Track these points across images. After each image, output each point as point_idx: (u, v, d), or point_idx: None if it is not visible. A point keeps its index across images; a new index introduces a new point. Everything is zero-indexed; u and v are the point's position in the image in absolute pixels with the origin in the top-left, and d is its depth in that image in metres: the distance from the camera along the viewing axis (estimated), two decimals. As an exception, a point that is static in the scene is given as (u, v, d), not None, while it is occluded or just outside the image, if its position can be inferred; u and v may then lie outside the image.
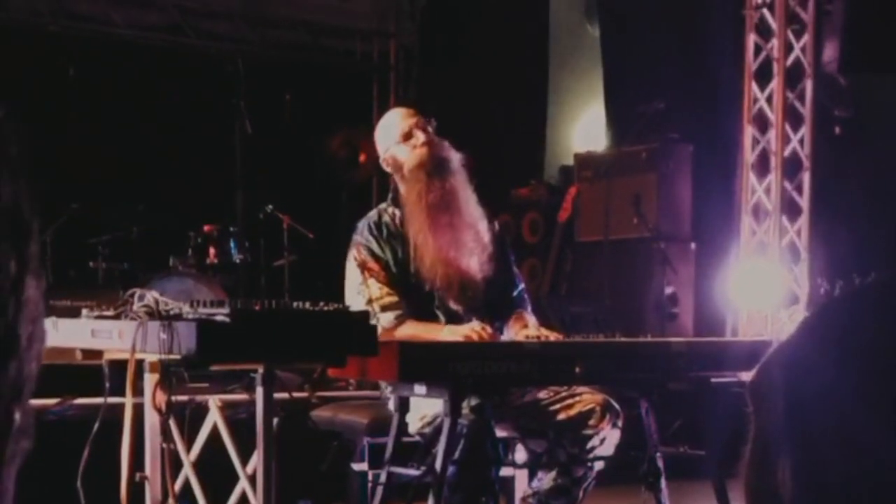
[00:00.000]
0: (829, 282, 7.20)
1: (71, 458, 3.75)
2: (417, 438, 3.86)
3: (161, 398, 3.65)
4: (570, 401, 3.94)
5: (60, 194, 7.14)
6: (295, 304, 3.35)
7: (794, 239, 8.17)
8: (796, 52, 8.11)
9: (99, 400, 3.74)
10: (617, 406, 3.95)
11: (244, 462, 3.68)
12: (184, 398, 3.80)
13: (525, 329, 4.02)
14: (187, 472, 3.89)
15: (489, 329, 3.81)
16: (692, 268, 8.68)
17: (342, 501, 4.92)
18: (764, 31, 8.23)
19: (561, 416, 3.93)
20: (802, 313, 7.18)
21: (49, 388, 4.94)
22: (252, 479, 3.55)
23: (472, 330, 3.77)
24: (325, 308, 3.30)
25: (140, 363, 3.68)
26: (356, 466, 4.08)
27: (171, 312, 3.25)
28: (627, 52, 9.70)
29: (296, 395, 4.47)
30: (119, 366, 3.67)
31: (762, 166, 8.27)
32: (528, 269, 8.77)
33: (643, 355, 3.86)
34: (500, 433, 3.87)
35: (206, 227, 7.67)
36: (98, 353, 3.75)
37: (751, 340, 5.05)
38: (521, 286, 4.27)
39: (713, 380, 4.13)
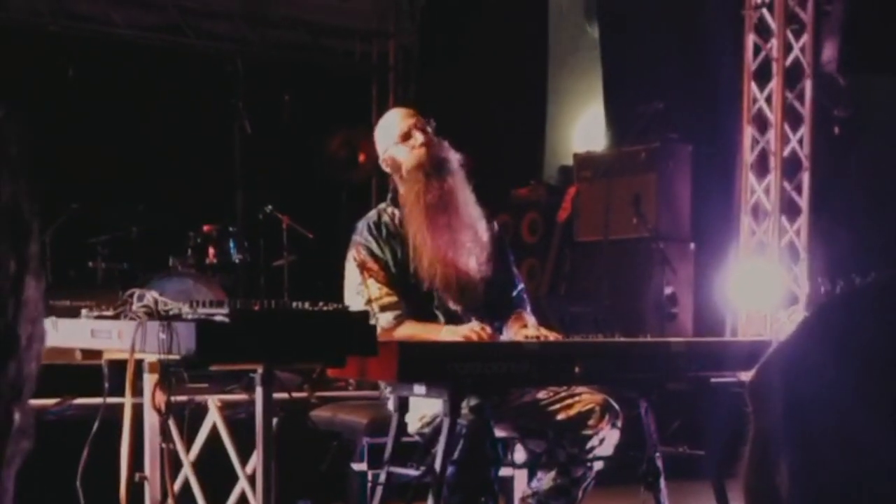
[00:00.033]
0: (828, 282, 7.20)
1: (70, 458, 3.75)
2: (417, 438, 3.86)
3: (160, 398, 3.65)
4: (569, 401, 3.94)
5: (60, 194, 7.14)
6: (294, 304, 3.34)
7: (793, 239, 8.17)
8: (795, 52, 8.11)
9: (98, 400, 3.74)
10: (616, 406, 3.95)
11: (243, 462, 3.68)
12: (183, 398, 3.80)
13: (524, 329, 4.02)
14: (187, 472, 3.89)
15: (488, 329, 3.81)
16: (691, 268, 8.69)
17: (342, 501, 4.92)
18: (763, 32, 8.23)
19: (560, 417, 3.93)
20: (802, 313, 7.18)
21: (48, 388, 4.94)
22: (251, 480, 3.55)
23: (471, 330, 3.77)
24: (325, 308, 3.30)
25: (139, 363, 3.68)
26: (356, 466, 4.08)
27: (171, 312, 3.25)
28: (627, 53, 9.71)
29: (295, 395, 4.47)
30: (118, 366, 3.67)
31: (761, 166, 8.27)
32: (527, 269, 8.77)
33: (642, 355, 3.86)
34: (500, 433, 3.87)
35: (205, 228, 7.67)
36: (97, 353, 3.75)
37: (750, 340, 5.05)
38: (521, 286, 4.27)
39: (712, 380, 4.14)
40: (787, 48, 8.11)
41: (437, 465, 3.46)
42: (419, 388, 3.52)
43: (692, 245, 8.72)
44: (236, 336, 3.11)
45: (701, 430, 4.47)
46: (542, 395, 3.97)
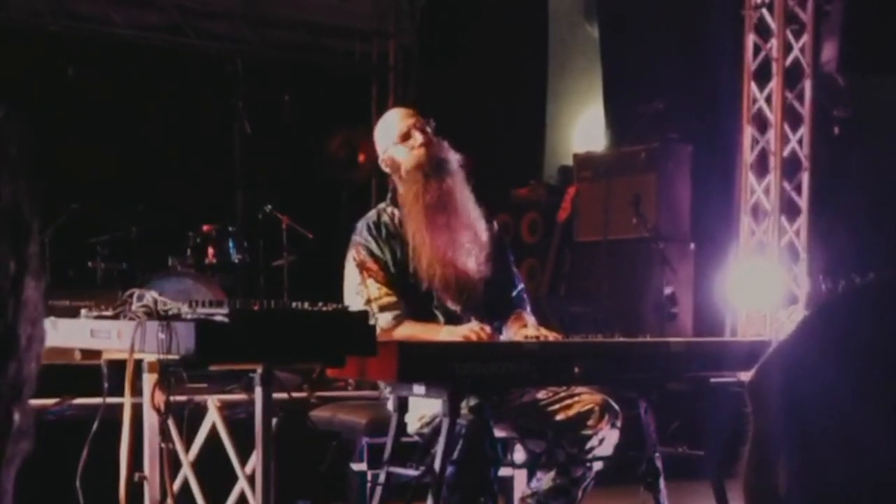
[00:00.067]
0: (829, 282, 7.20)
1: (70, 458, 3.75)
2: (416, 438, 3.86)
3: (160, 398, 3.65)
4: (568, 401, 3.94)
5: (60, 194, 7.13)
6: (294, 304, 3.34)
7: (792, 239, 8.17)
8: (795, 52, 8.11)
9: (98, 400, 3.73)
10: (616, 406, 3.95)
11: (243, 462, 3.68)
12: (182, 398, 3.80)
13: (524, 329, 4.02)
14: (186, 472, 3.89)
15: (488, 329, 3.81)
16: (691, 268, 8.69)
17: (341, 501, 4.93)
18: (763, 32, 8.24)
19: (560, 417, 3.93)
20: (801, 313, 7.18)
21: (48, 388, 4.94)
22: (251, 480, 3.55)
23: (470, 330, 3.77)
24: (324, 308, 3.30)
25: (139, 363, 3.68)
26: (355, 466, 4.08)
27: (170, 312, 3.25)
28: (627, 53, 9.71)
29: (295, 395, 4.47)
30: (118, 366, 3.67)
31: (761, 166, 8.27)
32: (527, 269, 8.77)
33: (642, 355, 3.86)
34: (499, 433, 3.87)
35: (205, 227, 7.67)
36: (97, 353, 3.75)
37: (750, 340, 5.05)
38: (520, 286, 4.27)
39: (712, 380, 4.14)
40: (787, 48, 8.12)
41: (437, 466, 3.46)
42: (419, 389, 3.52)
43: (692, 245, 8.72)
44: (236, 336, 3.11)
45: (700, 430, 4.48)
46: (541, 395, 3.96)
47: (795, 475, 0.89)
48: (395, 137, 4.09)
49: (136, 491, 3.83)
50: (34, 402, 0.76)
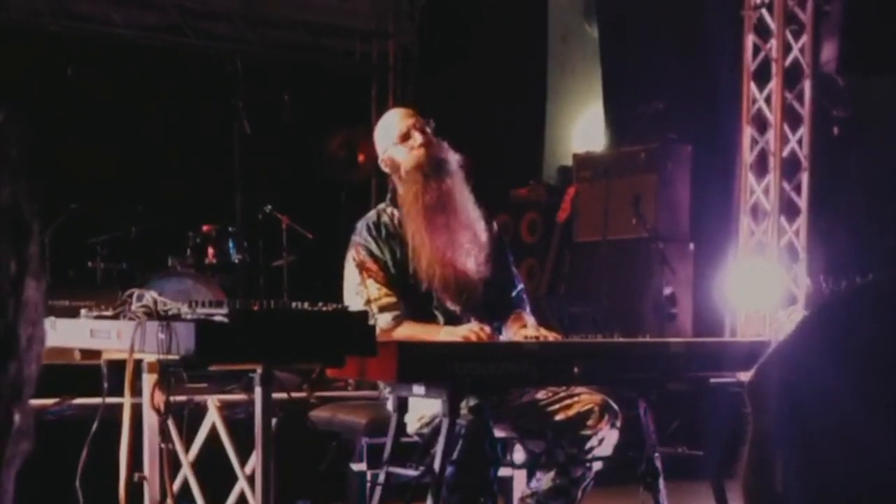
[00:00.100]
0: (830, 282, 7.21)
1: (69, 458, 3.75)
2: (416, 439, 3.86)
3: (159, 398, 3.65)
4: (568, 401, 3.94)
5: (59, 194, 7.13)
6: (294, 304, 3.34)
7: (792, 239, 8.18)
8: (795, 52, 8.11)
9: (97, 400, 3.73)
10: (615, 406, 3.95)
11: (243, 462, 3.68)
12: (182, 398, 3.80)
13: (524, 329, 4.02)
14: (186, 472, 3.89)
15: (487, 329, 3.81)
16: (691, 268, 8.69)
17: (341, 502, 4.92)
18: (762, 32, 8.24)
19: (559, 417, 3.93)
20: (801, 313, 7.18)
21: (47, 388, 4.93)
22: (251, 480, 3.55)
23: (470, 331, 3.77)
24: (324, 308, 3.30)
25: (138, 363, 3.68)
26: (355, 467, 4.08)
27: (170, 312, 3.25)
28: (626, 53, 9.71)
29: (294, 395, 4.47)
30: (118, 366, 3.67)
31: (761, 166, 8.27)
32: (526, 270, 8.77)
33: (641, 356, 3.86)
34: (499, 433, 3.87)
35: (204, 228, 7.67)
36: (97, 353, 3.75)
37: (749, 341, 5.05)
38: (520, 286, 4.27)
39: (712, 380, 4.14)
40: (787, 48, 8.12)
41: (437, 466, 3.46)
42: (418, 389, 3.52)
43: (691, 245, 8.72)
44: (235, 336, 3.11)
45: (700, 430, 4.47)
46: (541, 395, 3.96)
47: (795, 475, 0.89)
48: (394, 138, 4.09)
49: (135, 491, 3.82)
50: (33, 401, 0.76)
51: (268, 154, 8.25)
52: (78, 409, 5.21)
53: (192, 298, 3.41)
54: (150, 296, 3.36)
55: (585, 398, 3.94)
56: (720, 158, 8.68)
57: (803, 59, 8.09)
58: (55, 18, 8.75)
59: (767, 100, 8.21)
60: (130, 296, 3.45)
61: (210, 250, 7.64)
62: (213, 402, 3.90)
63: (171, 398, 3.64)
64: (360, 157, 8.44)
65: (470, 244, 4.03)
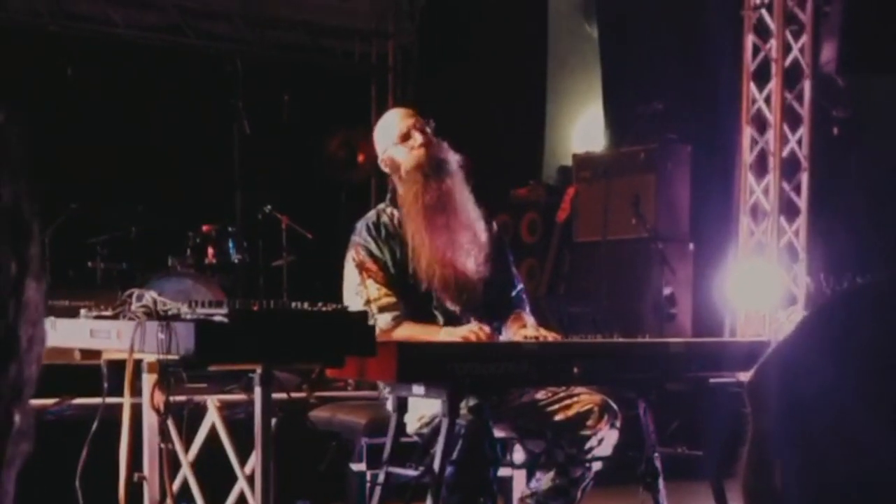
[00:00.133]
0: (829, 282, 7.21)
1: (69, 458, 3.75)
2: (416, 439, 3.86)
3: (159, 398, 3.65)
4: (568, 401, 3.94)
5: (59, 194, 7.13)
6: (293, 304, 3.34)
7: (792, 239, 8.18)
8: (794, 52, 8.12)
9: (97, 400, 3.73)
10: (615, 406, 3.95)
11: (242, 462, 3.68)
12: (182, 398, 3.80)
13: (523, 329, 4.02)
14: (185, 472, 3.89)
15: (487, 329, 3.81)
16: (690, 268, 8.69)
17: (340, 502, 4.92)
18: (762, 32, 8.24)
19: (559, 417, 3.93)
20: (801, 313, 7.18)
21: (47, 388, 4.93)
22: (250, 480, 3.55)
23: (469, 331, 3.77)
24: (324, 308, 3.30)
25: (138, 363, 3.68)
26: (354, 467, 4.08)
27: (170, 312, 3.25)
28: (626, 53, 9.71)
29: (294, 395, 4.47)
30: (117, 366, 3.67)
31: (760, 167, 8.27)
32: (526, 270, 8.77)
33: (641, 356, 3.86)
34: (499, 433, 3.87)
35: (204, 228, 7.67)
36: (96, 353, 3.75)
37: (749, 341, 5.05)
38: (520, 286, 4.27)
39: (711, 380, 4.14)
40: (786, 49, 8.12)
41: (436, 466, 3.46)
42: (418, 389, 3.52)
43: (691, 245, 8.72)
44: (235, 336, 3.11)
45: (700, 430, 4.47)
46: (540, 395, 3.96)
47: (795, 475, 0.89)
48: (394, 138, 4.09)
49: (135, 491, 3.82)
50: (33, 401, 0.76)
51: (267, 154, 8.25)
52: (78, 409, 5.21)
53: (192, 298, 3.41)
54: (149, 296, 3.36)
55: (585, 398, 3.94)
56: (720, 158, 8.69)
57: (803, 59, 8.09)
58: (55, 18, 8.75)
59: (767, 100, 8.21)
60: (130, 296, 3.45)
61: (210, 250, 7.64)
62: (212, 402, 3.90)
63: (171, 398, 3.64)
64: (360, 157, 8.44)
65: (470, 244, 4.03)
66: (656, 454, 3.95)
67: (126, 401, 3.73)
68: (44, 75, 8.38)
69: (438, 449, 3.47)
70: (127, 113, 8.63)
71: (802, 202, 8.14)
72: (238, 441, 3.75)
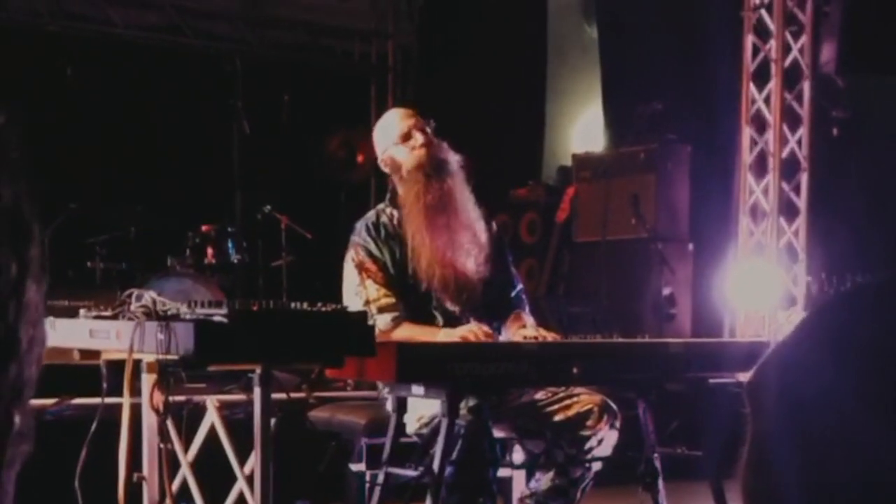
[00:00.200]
0: (829, 282, 7.21)
1: (68, 459, 3.75)
2: (415, 439, 3.86)
3: (159, 398, 3.65)
4: (567, 401, 3.94)
5: (58, 194, 7.13)
6: (293, 304, 3.34)
7: (791, 240, 8.18)
8: (794, 53, 8.12)
9: (96, 400, 3.73)
10: (614, 407, 3.95)
11: (242, 462, 3.68)
12: (181, 398, 3.80)
13: (523, 329, 4.02)
14: (185, 472, 3.88)
15: (486, 329, 3.81)
16: (690, 268, 8.69)
17: (340, 502, 4.92)
18: (762, 33, 8.24)
19: (558, 417, 3.93)
20: (800, 314, 7.18)
21: (46, 388, 4.93)
22: (250, 480, 3.55)
23: (469, 331, 3.77)
24: (323, 309, 3.30)
25: (138, 363, 3.68)
26: (354, 467, 4.08)
27: (169, 313, 3.26)
28: (626, 53, 9.71)
29: (293, 395, 4.47)
30: (117, 366, 3.67)
31: (760, 167, 8.27)
32: (525, 270, 8.77)
33: (641, 356, 3.87)
34: (498, 434, 3.87)
35: (204, 228, 7.66)
36: (96, 354, 3.75)
37: (748, 341, 5.05)
38: (519, 287, 4.27)
39: (711, 380, 4.14)
40: (786, 49, 8.12)
41: (436, 466, 3.46)
42: (417, 389, 3.52)
43: (690, 246, 8.72)
44: (235, 336, 3.11)
45: (699, 430, 4.48)
46: (540, 395, 3.97)
47: (795, 475, 0.89)
48: (395, 138, 4.08)
49: (134, 491, 3.82)
50: (32, 402, 0.76)
51: (267, 154, 8.26)
52: (77, 410, 5.20)
53: (192, 298, 3.41)
54: (149, 296, 3.37)
55: (585, 398, 3.94)
56: (719, 159, 8.69)
57: (803, 59, 8.09)
58: (54, 18, 8.75)
59: (767, 100, 8.21)
60: (129, 296, 3.45)
61: (209, 250, 7.64)
62: (212, 402, 3.90)
63: (171, 398, 3.64)
64: (360, 158, 8.45)
65: (470, 244, 4.03)
66: (656, 454, 3.95)
67: (125, 401, 3.73)
68: (44, 75, 8.38)
69: (438, 449, 3.47)
70: (126, 113, 8.63)
71: (802, 202, 8.14)
72: (237, 441, 3.75)
